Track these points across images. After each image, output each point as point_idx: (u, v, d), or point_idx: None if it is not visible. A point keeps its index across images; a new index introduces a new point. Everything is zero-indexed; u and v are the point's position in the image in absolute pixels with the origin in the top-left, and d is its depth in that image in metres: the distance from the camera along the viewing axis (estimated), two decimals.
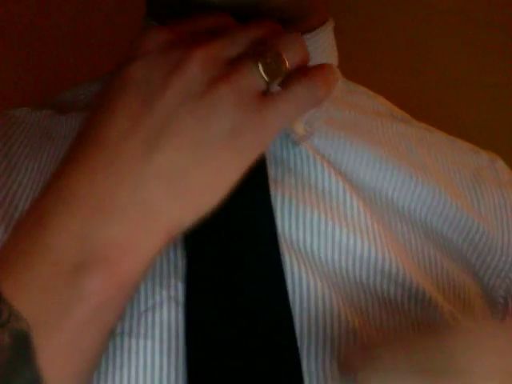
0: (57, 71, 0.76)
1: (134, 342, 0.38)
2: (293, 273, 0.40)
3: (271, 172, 0.43)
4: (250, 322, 0.37)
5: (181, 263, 0.40)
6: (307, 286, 0.39)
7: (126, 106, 0.34)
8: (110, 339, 0.37)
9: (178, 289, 0.39)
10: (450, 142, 0.52)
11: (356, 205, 0.43)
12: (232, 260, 0.39)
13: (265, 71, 0.36)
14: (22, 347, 0.31)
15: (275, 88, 0.37)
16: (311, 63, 0.46)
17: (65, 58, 0.77)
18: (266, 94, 0.36)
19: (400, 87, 0.73)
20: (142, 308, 0.39)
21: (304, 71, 0.37)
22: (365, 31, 0.77)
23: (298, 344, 0.38)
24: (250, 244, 0.40)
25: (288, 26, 0.46)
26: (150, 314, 0.38)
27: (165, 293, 0.39)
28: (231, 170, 0.35)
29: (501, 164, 0.52)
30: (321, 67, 0.38)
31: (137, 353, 0.38)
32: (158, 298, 0.39)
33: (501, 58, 0.77)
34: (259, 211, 0.41)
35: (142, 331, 0.38)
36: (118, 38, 0.76)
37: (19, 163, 0.46)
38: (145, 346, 0.38)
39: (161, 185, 0.34)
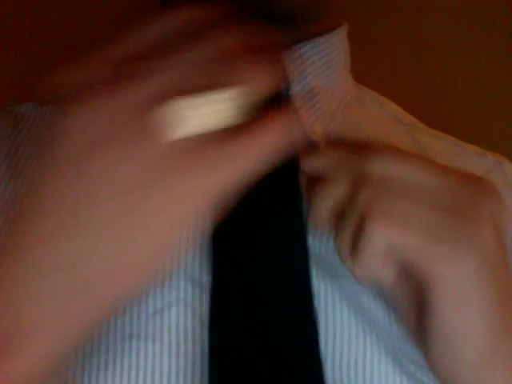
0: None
1: (142, 344, 0.38)
2: (319, 294, 0.39)
3: None
4: (274, 345, 0.37)
5: (190, 265, 0.40)
6: (333, 310, 0.39)
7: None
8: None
9: (187, 291, 0.39)
10: (458, 148, 0.52)
11: None
12: (260, 280, 0.38)
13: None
14: None
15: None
16: (325, 67, 0.46)
17: (65, 59, 0.76)
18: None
19: (400, 87, 0.73)
20: (151, 310, 0.39)
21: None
22: (364, 32, 0.77)
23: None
24: (279, 262, 0.39)
25: (301, 28, 0.46)
26: (158, 317, 0.38)
27: (174, 295, 0.39)
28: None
29: (507, 165, 0.52)
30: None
31: (145, 356, 0.38)
32: (166, 300, 0.39)
33: (501, 58, 0.77)
34: (291, 228, 0.40)
35: (151, 334, 0.38)
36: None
37: (27, 164, 0.45)
38: (153, 349, 0.38)
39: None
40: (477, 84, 0.77)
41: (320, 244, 0.41)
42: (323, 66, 0.48)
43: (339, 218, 0.36)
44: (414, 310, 0.36)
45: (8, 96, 0.72)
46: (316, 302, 0.38)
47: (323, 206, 0.36)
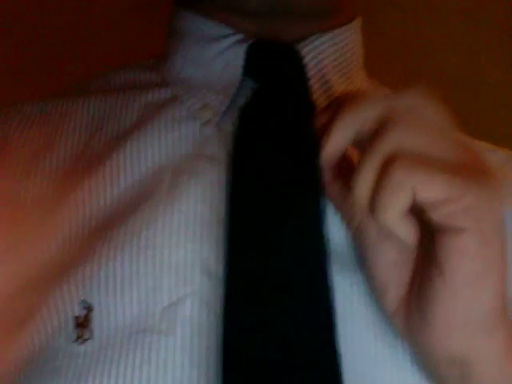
0: (57, 71, 0.75)
1: (155, 338, 0.37)
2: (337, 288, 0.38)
3: None
4: (290, 339, 0.36)
5: (206, 257, 0.39)
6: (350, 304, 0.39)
7: None
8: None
9: (202, 284, 0.38)
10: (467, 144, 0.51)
11: None
12: (276, 278, 0.37)
13: None
14: None
15: None
16: (341, 59, 0.47)
17: (65, 58, 0.76)
18: None
19: (400, 87, 0.73)
20: (166, 303, 0.38)
21: None
22: (364, 31, 0.77)
23: None
24: (296, 254, 0.38)
25: (318, 21, 0.47)
26: (173, 310, 0.38)
27: (189, 288, 0.38)
28: None
29: None
30: None
31: (158, 350, 0.37)
32: (182, 293, 0.38)
33: (501, 57, 0.77)
34: (309, 219, 0.39)
35: (164, 328, 0.37)
36: (118, 37, 0.76)
37: (34, 163, 0.45)
38: (166, 343, 0.37)
39: None
40: (477, 83, 0.77)
41: (339, 235, 0.40)
42: (339, 58, 0.48)
43: (360, 154, 0.34)
44: (422, 272, 0.35)
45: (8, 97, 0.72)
46: (333, 295, 0.37)
47: (344, 133, 0.35)
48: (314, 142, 0.42)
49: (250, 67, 0.45)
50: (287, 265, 0.38)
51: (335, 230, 0.40)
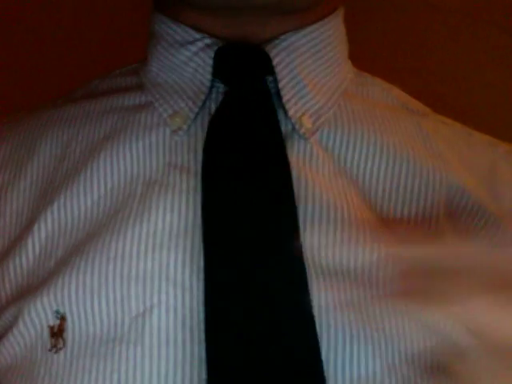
0: (57, 72, 0.76)
1: (124, 348, 0.38)
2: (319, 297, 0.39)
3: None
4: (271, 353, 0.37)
5: (173, 267, 0.40)
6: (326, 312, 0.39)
7: None
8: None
9: (169, 294, 0.39)
10: (467, 135, 0.51)
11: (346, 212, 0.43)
12: (254, 290, 0.38)
13: None
14: None
15: None
16: (316, 57, 0.47)
17: (65, 59, 0.77)
18: None
19: (400, 87, 0.73)
20: (133, 313, 0.39)
21: None
22: (364, 32, 0.77)
23: None
24: (272, 269, 0.39)
25: (299, 16, 0.46)
26: (140, 320, 0.39)
27: (155, 298, 0.39)
28: None
29: None
30: None
31: (127, 359, 0.38)
32: (148, 304, 0.39)
33: (502, 57, 0.77)
34: (282, 229, 0.40)
35: (133, 337, 0.38)
36: (119, 38, 0.77)
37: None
38: (135, 353, 0.38)
39: None
40: (477, 83, 0.76)
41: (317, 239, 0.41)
42: (314, 56, 0.47)
43: None
44: None
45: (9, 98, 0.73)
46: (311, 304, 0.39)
47: None
48: (282, 145, 0.43)
49: (219, 71, 0.45)
50: (264, 274, 0.39)
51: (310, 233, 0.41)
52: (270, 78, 0.45)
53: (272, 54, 0.45)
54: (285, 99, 0.45)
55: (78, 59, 0.77)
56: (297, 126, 0.44)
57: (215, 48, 0.45)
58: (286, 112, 0.45)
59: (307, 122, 0.45)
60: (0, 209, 0.45)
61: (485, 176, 0.48)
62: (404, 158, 0.45)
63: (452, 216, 0.45)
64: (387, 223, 0.43)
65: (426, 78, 0.77)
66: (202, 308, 0.39)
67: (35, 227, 0.43)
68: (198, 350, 0.38)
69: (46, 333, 0.40)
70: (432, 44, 0.78)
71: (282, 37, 0.46)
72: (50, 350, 0.40)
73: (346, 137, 0.46)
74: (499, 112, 0.77)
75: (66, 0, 0.78)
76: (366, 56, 0.76)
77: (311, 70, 0.47)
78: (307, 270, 0.39)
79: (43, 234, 0.43)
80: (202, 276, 0.39)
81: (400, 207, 0.44)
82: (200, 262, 0.40)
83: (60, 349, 0.39)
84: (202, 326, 0.38)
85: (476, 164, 0.48)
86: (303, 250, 0.40)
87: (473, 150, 0.49)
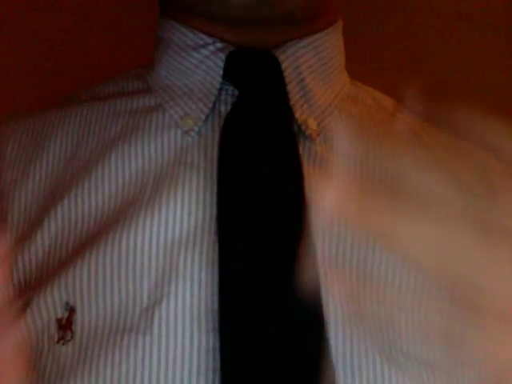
0: (58, 73, 0.77)
1: (133, 338, 0.39)
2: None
3: None
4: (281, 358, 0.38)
5: (182, 260, 0.41)
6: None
7: None
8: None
9: (178, 286, 0.40)
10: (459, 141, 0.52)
11: None
12: (267, 283, 0.40)
13: None
14: None
15: None
16: (320, 63, 0.49)
17: (66, 60, 0.77)
18: None
19: (400, 89, 0.73)
20: (144, 305, 0.40)
21: None
22: (364, 34, 0.78)
23: None
24: (287, 266, 0.40)
25: (302, 26, 0.49)
26: (150, 310, 0.39)
27: (165, 289, 0.40)
28: None
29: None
30: None
31: (135, 349, 0.39)
32: (159, 294, 0.40)
33: (500, 59, 0.78)
34: (294, 232, 0.41)
35: (142, 327, 0.39)
36: (120, 39, 0.78)
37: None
38: (143, 342, 0.39)
39: None
40: (476, 85, 0.77)
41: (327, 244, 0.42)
42: (318, 63, 0.49)
43: None
44: None
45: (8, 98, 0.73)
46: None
47: None
48: (294, 146, 0.44)
49: (230, 75, 0.47)
50: (278, 269, 0.40)
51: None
52: (278, 82, 0.47)
53: (281, 59, 0.47)
54: (292, 102, 0.47)
55: (78, 62, 0.77)
56: (303, 128, 0.46)
57: (226, 52, 0.47)
58: (292, 114, 0.46)
59: (312, 124, 0.47)
60: (8, 206, 0.46)
61: (479, 175, 0.49)
62: (406, 156, 0.46)
63: None
64: None
65: (424, 81, 0.78)
66: (210, 299, 0.40)
67: (45, 222, 0.44)
68: (206, 340, 0.39)
69: (53, 325, 0.40)
70: (430, 47, 0.79)
71: (290, 43, 0.48)
72: (57, 342, 0.40)
73: (349, 139, 0.46)
74: (498, 114, 0.77)
75: (65, 2, 0.78)
76: (365, 58, 0.77)
77: (315, 75, 0.49)
78: (319, 266, 0.40)
79: (53, 229, 0.43)
80: (210, 269, 0.40)
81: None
82: (208, 255, 0.41)
83: (68, 340, 0.40)
84: (210, 317, 0.39)
85: (470, 164, 0.50)
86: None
87: (467, 150, 0.51)
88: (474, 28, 0.77)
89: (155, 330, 0.39)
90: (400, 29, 0.79)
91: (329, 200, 0.42)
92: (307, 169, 0.44)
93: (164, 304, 0.39)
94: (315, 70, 0.49)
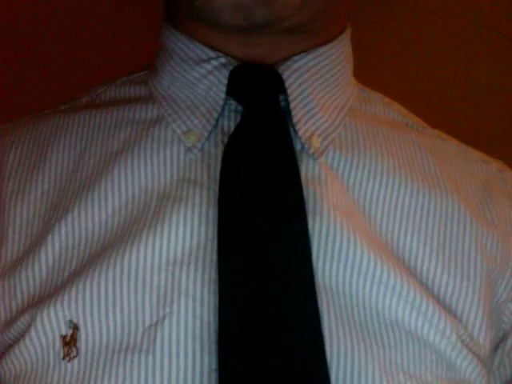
0: (58, 73, 0.77)
1: (136, 357, 0.39)
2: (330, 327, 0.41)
3: None
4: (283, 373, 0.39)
5: (185, 279, 0.41)
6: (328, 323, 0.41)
7: None
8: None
9: (180, 305, 0.40)
10: (462, 152, 0.52)
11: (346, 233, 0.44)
12: (266, 303, 0.40)
13: None
14: None
15: None
16: (326, 77, 0.49)
17: (66, 61, 0.77)
18: None
19: (400, 90, 0.74)
20: (147, 324, 0.40)
21: None
22: (364, 36, 0.78)
23: None
24: (285, 288, 0.40)
25: (309, 37, 0.48)
26: (152, 330, 0.40)
27: (168, 309, 0.40)
28: None
29: (509, 174, 0.52)
30: None
31: (138, 368, 0.39)
32: (161, 314, 0.40)
33: (500, 60, 0.78)
34: (297, 254, 0.42)
35: (145, 347, 0.40)
36: (120, 40, 0.77)
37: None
38: (146, 362, 0.39)
39: None
40: (474, 86, 0.77)
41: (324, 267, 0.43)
42: (324, 77, 0.49)
43: None
44: None
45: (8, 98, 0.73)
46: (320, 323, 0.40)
47: None
48: (295, 166, 0.44)
49: (233, 91, 0.46)
50: (277, 291, 0.40)
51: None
52: (281, 97, 0.47)
53: (285, 76, 0.47)
54: (295, 119, 0.46)
55: (78, 62, 0.77)
56: (306, 146, 0.46)
57: (230, 67, 0.46)
58: (296, 131, 0.46)
59: (316, 142, 0.46)
60: (9, 216, 0.46)
61: (479, 194, 0.50)
62: (403, 180, 0.47)
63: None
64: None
65: (426, 81, 0.78)
66: (212, 319, 0.40)
67: (48, 238, 0.44)
68: (208, 360, 0.39)
69: (58, 342, 0.41)
70: (429, 48, 0.79)
71: (295, 58, 0.47)
72: (63, 359, 0.41)
73: (350, 158, 0.47)
74: (496, 115, 0.78)
75: (65, 2, 0.78)
76: (365, 60, 0.77)
77: (320, 90, 0.49)
78: (317, 286, 0.41)
79: (57, 246, 0.44)
80: (212, 288, 0.41)
81: (397, 228, 0.46)
82: (211, 274, 0.41)
83: (74, 357, 0.40)
84: (213, 337, 0.40)
85: (471, 182, 0.50)
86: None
87: (468, 167, 0.51)
88: (474, 30, 0.77)
89: (158, 349, 0.39)
90: (397, 31, 0.79)
91: (327, 221, 0.43)
92: (307, 187, 0.44)
93: (166, 323, 0.40)
94: (320, 84, 0.48)
